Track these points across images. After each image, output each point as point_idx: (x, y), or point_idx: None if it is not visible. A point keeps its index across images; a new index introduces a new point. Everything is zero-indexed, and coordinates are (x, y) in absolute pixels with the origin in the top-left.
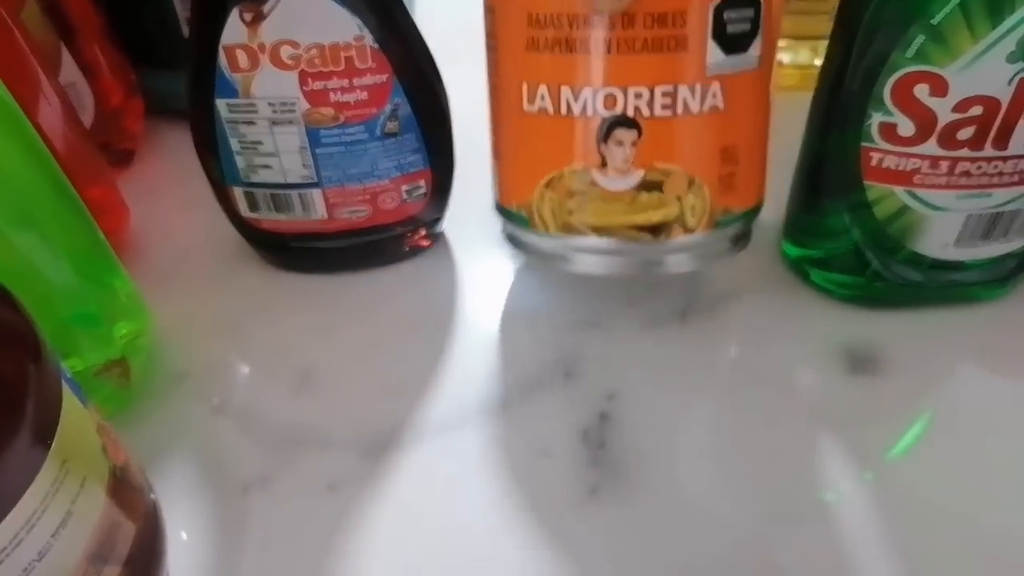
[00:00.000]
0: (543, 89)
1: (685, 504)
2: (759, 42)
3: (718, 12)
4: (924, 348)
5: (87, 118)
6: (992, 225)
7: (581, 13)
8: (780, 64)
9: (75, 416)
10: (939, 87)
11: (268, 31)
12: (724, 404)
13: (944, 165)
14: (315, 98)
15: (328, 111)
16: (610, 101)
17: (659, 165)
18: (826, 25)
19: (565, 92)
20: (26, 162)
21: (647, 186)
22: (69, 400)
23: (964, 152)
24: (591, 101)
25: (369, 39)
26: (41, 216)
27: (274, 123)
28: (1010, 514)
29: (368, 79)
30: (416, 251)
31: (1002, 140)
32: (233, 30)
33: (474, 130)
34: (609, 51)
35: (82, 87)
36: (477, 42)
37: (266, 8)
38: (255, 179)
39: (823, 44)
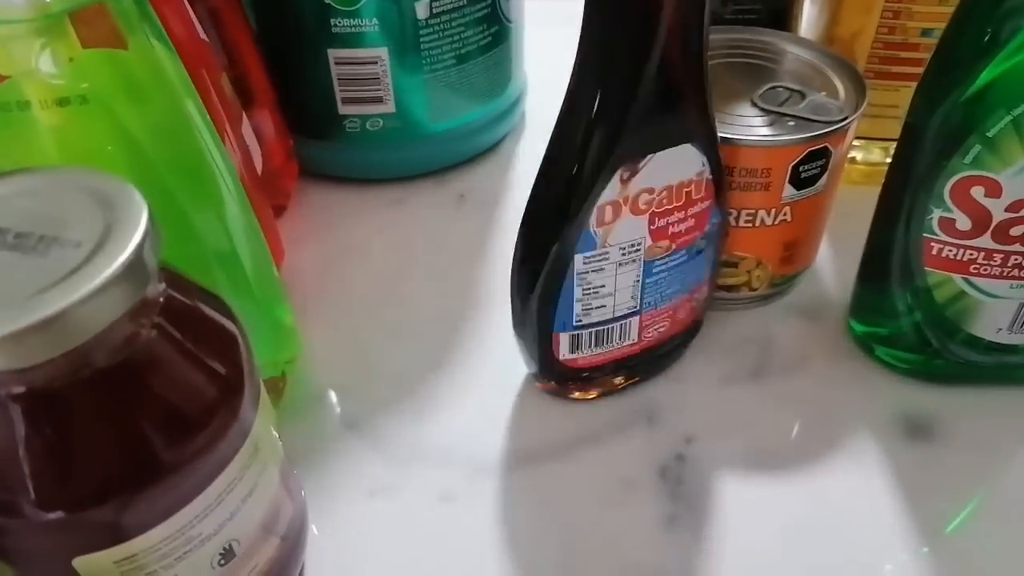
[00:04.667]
0: None
1: (748, 541)
2: (826, 176)
3: (795, 167)
4: (981, 423)
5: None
6: None
7: None
8: (853, 161)
9: (265, 409)
10: (994, 190)
11: (635, 183)
12: (789, 456)
13: (998, 257)
14: (657, 234)
15: (665, 243)
16: None
17: (737, 253)
18: (896, 128)
19: None
20: (233, 199)
21: (726, 264)
22: (263, 395)
23: (1017, 247)
24: None
25: (707, 171)
26: (240, 249)
27: (620, 264)
28: None
29: (698, 207)
30: None
31: None
32: (610, 189)
33: None
34: None
35: (254, 147)
36: None
37: (641, 163)
38: (586, 321)
39: (893, 145)
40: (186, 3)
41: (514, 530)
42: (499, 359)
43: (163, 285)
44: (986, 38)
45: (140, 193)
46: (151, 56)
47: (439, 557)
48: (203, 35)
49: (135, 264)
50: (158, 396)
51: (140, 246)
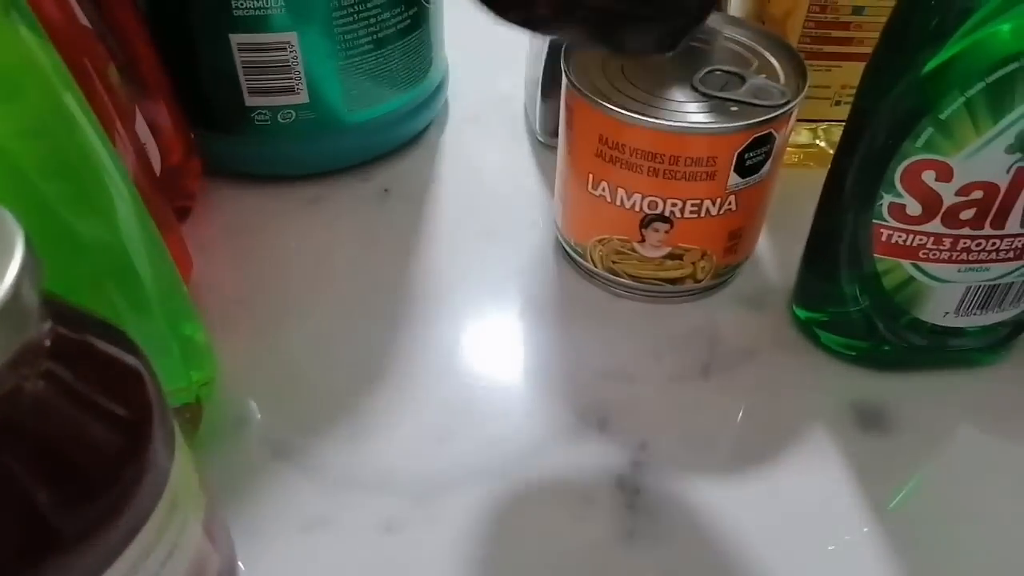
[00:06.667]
0: (604, 184)
1: (710, 545)
2: (769, 164)
3: (740, 154)
4: (927, 408)
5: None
6: (989, 296)
7: (639, 148)
8: None
9: (183, 455)
10: (945, 174)
11: None
12: (744, 453)
13: (947, 242)
14: None
15: None
16: (652, 204)
17: (682, 245)
18: (826, 109)
19: (620, 192)
20: (126, 205)
21: (672, 256)
22: (178, 436)
23: (965, 231)
24: (639, 202)
25: None
26: (138, 262)
27: None
28: (1006, 566)
29: None
30: None
31: (1000, 220)
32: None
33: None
34: (657, 176)
35: (151, 146)
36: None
37: None
38: None
39: (823, 127)
40: None
41: (465, 559)
42: (439, 367)
43: (49, 323)
44: (938, 18)
45: (12, 215)
46: (19, 45)
47: None
48: (83, 20)
49: (11, 306)
50: (52, 456)
51: (16, 284)
